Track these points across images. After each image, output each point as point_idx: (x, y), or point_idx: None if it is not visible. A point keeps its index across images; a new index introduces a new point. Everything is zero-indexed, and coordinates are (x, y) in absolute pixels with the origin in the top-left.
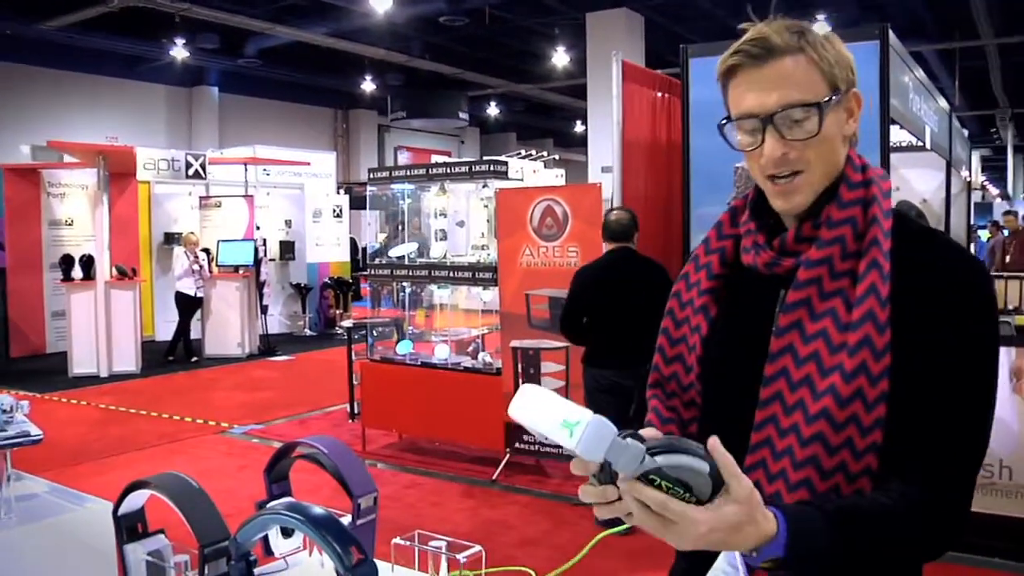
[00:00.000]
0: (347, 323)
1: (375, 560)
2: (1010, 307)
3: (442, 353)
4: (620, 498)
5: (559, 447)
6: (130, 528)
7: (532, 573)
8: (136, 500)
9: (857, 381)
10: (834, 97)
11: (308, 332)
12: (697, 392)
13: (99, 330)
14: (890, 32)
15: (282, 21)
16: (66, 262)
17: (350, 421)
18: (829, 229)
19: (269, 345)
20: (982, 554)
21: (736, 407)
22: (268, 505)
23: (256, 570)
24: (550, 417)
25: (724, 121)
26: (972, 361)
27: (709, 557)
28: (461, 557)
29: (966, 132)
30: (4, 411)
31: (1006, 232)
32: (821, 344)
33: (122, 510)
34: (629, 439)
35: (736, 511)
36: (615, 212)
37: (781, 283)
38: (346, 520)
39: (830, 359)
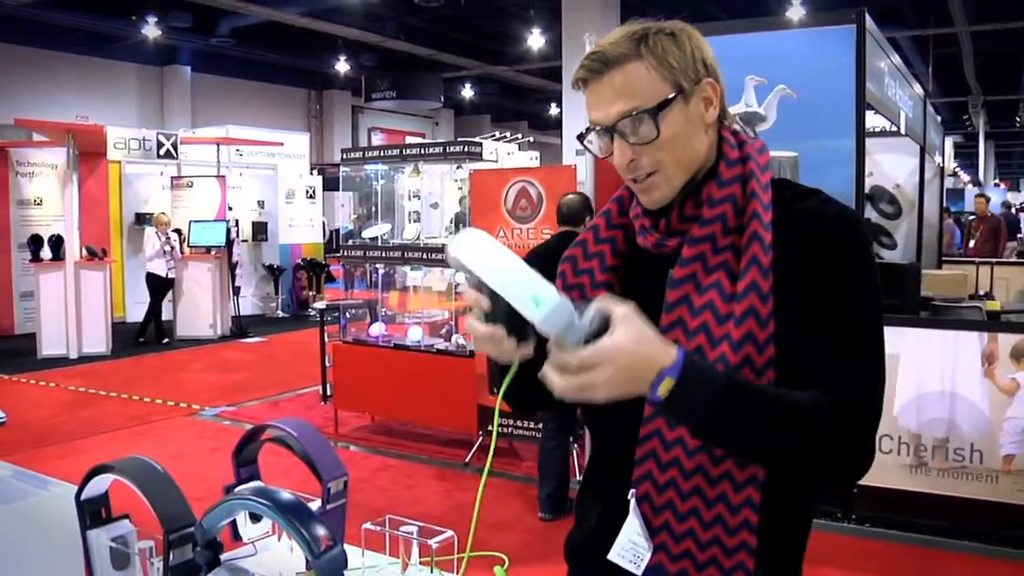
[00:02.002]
0: (320, 305)
1: (345, 545)
2: (980, 292)
3: (415, 335)
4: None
5: (532, 427)
6: (93, 513)
7: (505, 558)
8: (100, 485)
9: (745, 349)
10: (675, 97)
11: (280, 314)
12: None
13: (69, 311)
14: (867, 16)
15: (255, 0)
16: (35, 242)
17: (322, 403)
18: (711, 207)
19: (241, 327)
20: (954, 537)
21: None
22: (236, 489)
23: (223, 555)
24: (520, 285)
25: (583, 132)
26: (860, 301)
27: (604, 529)
28: (433, 543)
29: (939, 118)
30: None
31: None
32: (709, 316)
33: (85, 495)
34: (576, 317)
35: (630, 315)
36: (569, 196)
37: (671, 263)
38: (315, 505)
39: (718, 329)
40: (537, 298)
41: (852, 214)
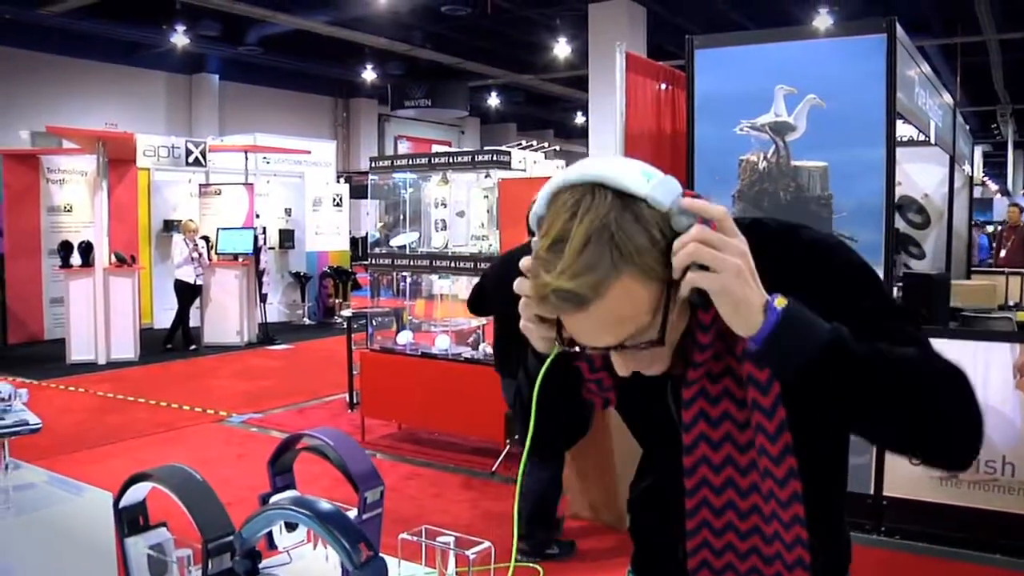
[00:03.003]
0: (346, 312)
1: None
2: (1011, 303)
3: (442, 343)
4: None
5: None
6: (131, 521)
7: (540, 569)
8: (138, 492)
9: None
10: (668, 291)
11: (307, 321)
12: None
13: (97, 317)
14: (897, 26)
15: (283, 9)
16: (65, 248)
17: (349, 411)
18: (701, 352)
19: (268, 334)
20: (984, 551)
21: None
22: (272, 499)
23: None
24: (629, 169)
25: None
26: (877, 305)
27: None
28: (471, 553)
29: (968, 127)
30: (2, 399)
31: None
32: (729, 426)
33: (123, 502)
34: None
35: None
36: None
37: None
38: (351, 514)
39: (741, 436)
40: (645, 172)
41: (835, 241)
